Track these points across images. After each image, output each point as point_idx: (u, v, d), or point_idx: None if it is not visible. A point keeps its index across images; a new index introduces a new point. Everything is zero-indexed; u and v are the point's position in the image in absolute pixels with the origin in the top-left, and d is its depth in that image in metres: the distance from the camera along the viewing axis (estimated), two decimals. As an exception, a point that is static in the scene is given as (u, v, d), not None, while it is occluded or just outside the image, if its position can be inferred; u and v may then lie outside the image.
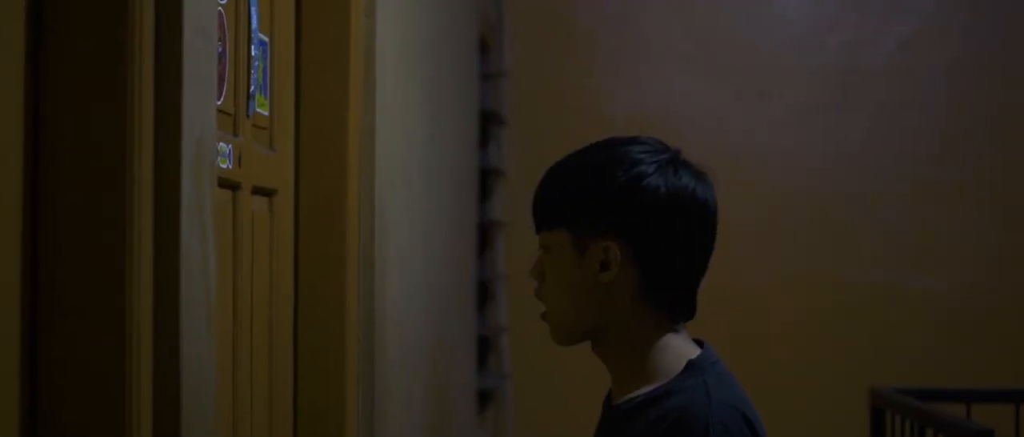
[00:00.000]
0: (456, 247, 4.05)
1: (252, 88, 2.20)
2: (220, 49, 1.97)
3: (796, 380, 5.31)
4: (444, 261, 3.74)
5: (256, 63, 2.21)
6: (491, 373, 5.22)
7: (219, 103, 1.98)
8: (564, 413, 5.31)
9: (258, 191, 2.24)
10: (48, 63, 1.49)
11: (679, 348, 1.76)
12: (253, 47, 2.19)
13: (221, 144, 1.99)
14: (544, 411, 5.29)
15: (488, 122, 5.17)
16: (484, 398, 4.97)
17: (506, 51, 5.41)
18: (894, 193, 5.39)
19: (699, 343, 1.80)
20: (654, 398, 1.71)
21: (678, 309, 1.78)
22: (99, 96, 1.48)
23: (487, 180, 5.20)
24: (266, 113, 2.30)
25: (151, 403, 1.51)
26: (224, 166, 2.01)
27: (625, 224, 1.73)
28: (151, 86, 1.51)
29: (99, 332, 1.48)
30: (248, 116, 2.18)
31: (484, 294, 5.16)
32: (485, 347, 5.14)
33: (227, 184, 2.05)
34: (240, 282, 2.12)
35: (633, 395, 1.75)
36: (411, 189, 3.09)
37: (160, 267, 1.52)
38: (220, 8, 1.98)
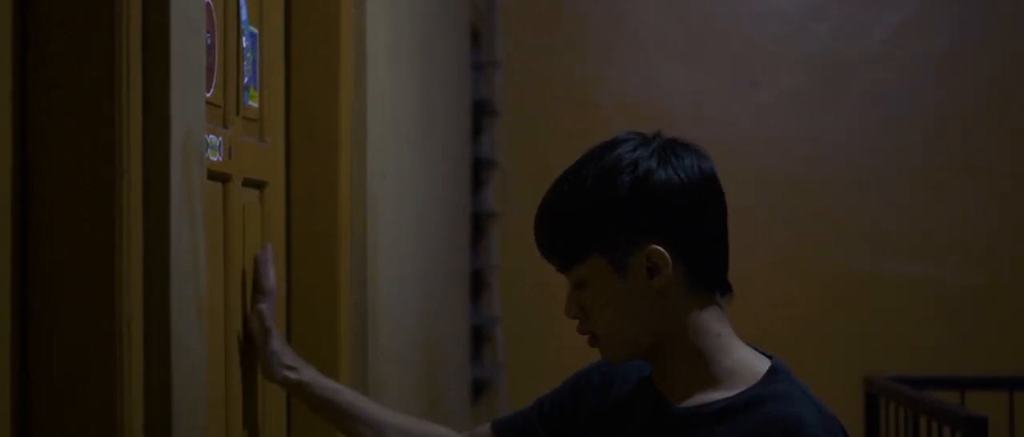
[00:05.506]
0: (449, 237, 4.05)
1: (242, 80, 2.19)
2: (209, 41, 1.97)
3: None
4: (437, 251, 3.74)
5: (246, 55, 2.21)
6: (485, 364, 5.22)
7: (208, 95, 1.98)
8: (558, 403, 5.33)
9: (248, 183, 2.24)
10: (36, 55, 1.49)
11: (742, 354, 1.73)
12: (243, 39, 2.19)
13: (211, 137, 1.99)
14: (538, 401, 5.28)
15: (480, 112, 5.17)
16: (478, 388, 4.97)
17: (498, 40, 5.41)
18: (883, 181, 5.39)
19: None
20: (744, 403, 1.67)
21: (719, 287, 1.75)
22: (87, 88, 1.48)
23: (480, 170, 5.20)
24: (256, 105, 2.30)
25: (142, 394, 1.51)
26: (214, 158, 2.01)
27: (655, 225, 1.69)
28: (140, 79, 1.51)
29: (90, 324, 1.48)
30: (238, 108, 2.18)
31: (478, 285, 5.16)
32: (479, 338, 5.14)
33: (217, 176, 2.05)
34: (231, 274, 2.12)
35: (708, 399, 1.70)
36: (403, 180, 3.09)
37: (150, 259, 1.52)
38: (209, 0, 1.98)
